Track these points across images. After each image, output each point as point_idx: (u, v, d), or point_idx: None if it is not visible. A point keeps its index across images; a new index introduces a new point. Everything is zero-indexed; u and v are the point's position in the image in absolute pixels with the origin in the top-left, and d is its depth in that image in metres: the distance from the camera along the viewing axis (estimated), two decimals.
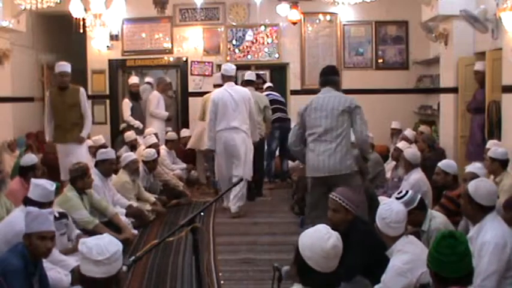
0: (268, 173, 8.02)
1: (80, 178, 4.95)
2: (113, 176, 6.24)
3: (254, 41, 9.57)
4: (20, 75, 8.54)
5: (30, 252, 3.09)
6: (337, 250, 2.24)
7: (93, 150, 6.81)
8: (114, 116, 9.68)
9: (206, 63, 9.63)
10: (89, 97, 9.66)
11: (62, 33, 9.90)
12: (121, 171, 6.16)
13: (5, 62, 7.67)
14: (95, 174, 5.32)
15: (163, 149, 7.69)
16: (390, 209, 3.14)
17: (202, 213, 3.26)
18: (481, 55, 6.89)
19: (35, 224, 3.11)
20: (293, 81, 9.67)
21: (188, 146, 8.04)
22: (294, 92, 9.66)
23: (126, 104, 8.56)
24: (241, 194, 6.26)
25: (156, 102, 8.63)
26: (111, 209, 5.28)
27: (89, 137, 7.12)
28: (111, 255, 2.44)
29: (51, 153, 6.68)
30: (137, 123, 8.40)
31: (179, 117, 9.91)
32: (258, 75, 9.61)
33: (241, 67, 9.39)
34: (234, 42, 9.59)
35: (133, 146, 7.73)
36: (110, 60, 9.67)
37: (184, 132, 8.62)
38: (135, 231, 5.40)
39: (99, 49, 9.56)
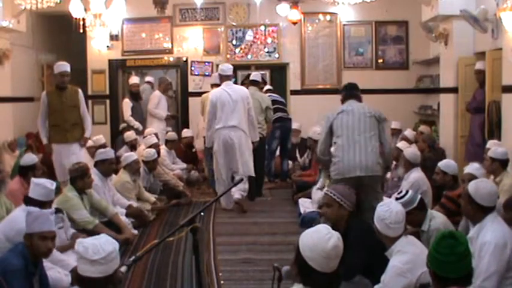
0: (269, 173, 8.02)
1: (80, 178, 4.95)
2: (113, 176, 6.25)
3: (254, 41, 9.58)
4: (20, 75, 8.54)
5: (30, 252, 3.10)
6: (338, 250, 2.24)
7: (93, 150, 6.80)
8: (114, 116, 9.69)
9: (206, 63, 9.64)
10: (89, 97, 9.74)
11: (62, 33, 9.91)
12: (122, 171, 6.16)
13: (5, 62, 7.67)
14: (94, 174, 5.32)
15: (163, 149, 7.68)
16: (389, 209, 3.14)
17: (202, 213, 3.26)
18: (481, 55, 6.89)
19: (36, 224, 3.11)
20: (293, 81, 9.68)
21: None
22: (294, 92, 9.67)
23: (127, 104, 8.57)
24: (244, 187, 6.43)
25: (156, 101, 8.63)
26: (111, 209, 5.28)
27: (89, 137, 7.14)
28: (106, 255, 2.46)
29: (51, 153, 6.67)
30: (137, 124, 8.41)
31: (179, 117, 9.91)
32: None
33: (241, 67, 9.44)
34: (234, 42, 9.59)
35: (133, 146, 7.73)
36: (110, 60, 9.68)
37: (186, 133, 8.61)
38: (135, 231, 5.40)
39: (99, 49, 9.57)
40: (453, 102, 7.41)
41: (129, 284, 4.10)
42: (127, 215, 5.60)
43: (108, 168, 5.66)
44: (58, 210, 4.37)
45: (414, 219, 3.68)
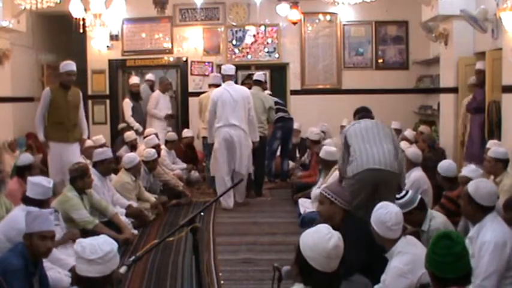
0: (269, 173, 8.02)
1: (80, 178, 4.94)
2: (113, 176, 6.24)
3: (254, 41, 9.58)
4: (20, 75, 8.54)
5: (30, 252, 3.10)
6: (338, 250, 2.25)
7: (91, 150, 6.77)
8: (114, 116, 9.69)
9: (206, 63, 9.64)
10: (89, 97, 9.76)
11: (62, 33, 9.90)
12: (122, 171, 6.15)
13: (5, 62, 7.67)
14: (93, 174, 5.30)
15: (163, 149, 7.68)
16: (389, 212, 3.13)
17: (202, 213, 3.26)
18: (481, 55, 6.88)
19: (35, 224, 3.11)
20: (293, 81, 9.68)
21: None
22: (294, 92, 9.67)
23: (127, 104, 8.57)
24: (241, 187, 6.60)
25: (154, 102, 8.64)
26: (111, 209, 5.28)
27: (88, 137, 7.15)
28: (104, 255, 2.46)
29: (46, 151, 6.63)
30: (137, 125, 8.41)
31: (179, 117, 9.91)
32: None
33: (241, 67, 9.43)
34: (234, 42, 9.59)
35: (133, 146, 7.73)
36: (110, 60, 9.68)
37: (186, 133, 8.61)
38: (135, 231, 5.40)
39: (99, 49, 9.57)
40: (453, 102, 7.41)
41: (129, 284, 4.10)
42: (127, 215, 5.60)
43: (106, 168, 5.65)
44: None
45: (414, 219, 3.68)
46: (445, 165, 4.83)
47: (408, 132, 7.54)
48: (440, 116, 7.96)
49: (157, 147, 7.10)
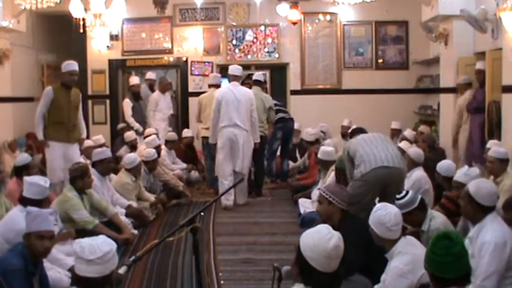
0: (270, 173, 8.03)
1: (79, 178, 4.93)
2: (114, 176, 6.24)
3: (254, 41, 9.58)
4: (20, 75, 8.54)
5: (30, 252, 3.10)
6: (338, 250, 2.25)
7: (91, 150, 6.76)
8: (114, 116, 9.69)
9: (206, 63, 9.64)
10: (89, 97, 9.76)
11: (62, 33, 9.90)
12: (122, 171, 6.14)
13: (5, 62, 7.67)
14: (93, 174, 5.29)
15: (163, 149, 7.68)
16: (388, 213, 3.13)
17: (202, 213, 3.26)
18: (481, 55, 6.89)
19: (34, 223, 3.11)
20: (293, 81, 9.68)
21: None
22: (294, 92, 9.67)
23: (127, 104, 8.57)
24: (243, 187, 6.74)
25: (153, 104, 8.63)
26: (111, 209, 5.28)
27: (87, 137, 7.15)
28: (103, 255, 2.46)
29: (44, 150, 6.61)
30: (137, 126, 8.40)
31: (179, 117, 9.91)
32: None
33: (241, 67, 9.40)
34: (234, 42, 9.59)
35: (133, 146, 7.73)
36: (110, 60, 9.68)
37: (186, 133, 8.61)
38: (135, 231, 5.39)
39: (99, 49, 9.57)
40: (453, 102, 7.40)
41: (129, 284, 4.10)
42: (127, 215, 5.60)
43: (105, 167, 5.64)
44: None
45: (414, 219, 3.68)
46: (445, 166, 4.83)
47: (408, 132, 7.53)
48: (440, 116, 7.96)
49: (157, 147, 7.10)
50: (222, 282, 4.17)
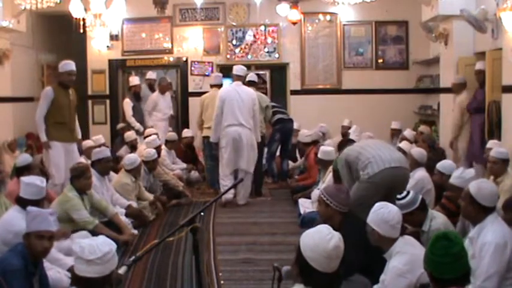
0: (271, 174, 8.05)
1: (77, 178, 4.91)
2: (114, 175, 6.24)
3: (254, 41, 9.58)
4: (20, 75, 8.54)
5: (29, 252, 3.10)
6: (339, 251, 2.25)
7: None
8: (114, 116, 9.69)
9: (206, 63, 9.64)
10: (89, 97, 9.76)
11: (62, 33, 9.90)
12: (122, 171, 6.14)
13: (5, 62, 7.67)
14: (92, 174, 5.27)
15: (163, 149, 7.68)
16: (390, 211, 3.13)
17: (202, 213, 3.26)
18: (481, 55, 6.89)
19: (33, 223, 3.12)
20: (293, 81, 9.68)
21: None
22: (294, 92, 9.67)
23: (128, 104, 8.57)
24: (247, 187, 6.78)
25: (152, 104, 8.63)
26: (111, 209, 5.27)
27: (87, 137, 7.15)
28: (103, 255, 2.46)
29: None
30: (138, 125, 8.41)
31: (179, 117, 9.91)
32: (258, 75, 9.65)
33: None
34: (234, 42, 9.59)
35: (133, 146, 7.73)
36: (110, 60, 9.69)
37: (186, 133, 8.61)
38: (135, 231, 5.39)
39: (99, 49, 9.57)
40: (453, 102, 7.40)
41: (129, 284, 4.10)
42: (127, 215, 5.59)
43: (104, 167, 5.63)
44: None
45: (415, 220, 3.68)
46: (447, 165, 4.84)
47: (408, 132, 7.53)
48: (440, 116, 7.96)
49: (157, 147, 7.09)
50: (222, 282, 4.17)
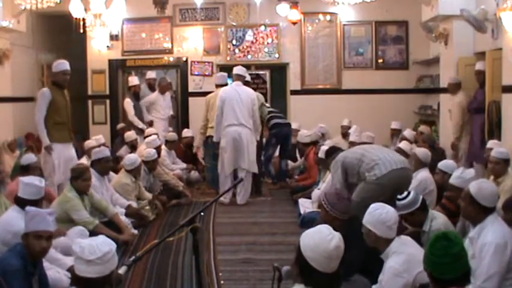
0: (270, 175, 8.05)
1: (75, 179, 4.90)
2: (114, 176, 6.24)
3: (254, 41, 9.58)
4: (20, 75, 8.54)
5: (28, 252, 3.10)
6: (339, 251, 2.25)
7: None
8: (114, 116, 9.69)
9: (206, 63, 9.64)
10: (89, 97, 9.76)
11: (62, 33, 9.89)
12: (122, 172, 6.14)
13: (5, 62, 7.67)
14: (92, 174, 5.26)
15: (163, 149, 7.68)
16: (387, 211, 3.12)
17: (202, 213, 3.26)
18: (481, 55, 6.89)
19: (32, 223, 3.12)
20: (293, 81, 9.67)
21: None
22: (294, 92, 9.67)
23: (129, 104, 8.58)
24: (247, 187, 6.82)
25: (148, 103, 8.63)
26: (112, 209, 5.27)
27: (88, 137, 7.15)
28: (103, 255, 2.46)
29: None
30: (141, 124, 8.43)
31: (179, 117, 9.91)
32: (257, 75, 9.68)
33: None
34: (234, 42, 9.59)
35: (133, 146, 7.72)
36: (110, 60, 9.68)
37: (186, 133, 8.61)
38: (135, 231, 5.39)
39: (99, 49, 9.56)
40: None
41: (129, 284, 4.10)
42: (126, 215, 5.60)
43: (104, 166, 5.62)
44: None
45: (416, 220, 3.68)
46: (449, 165, 4.84)
47: (408, 132, 7.53)
48: (440, 116, 7.96)
49: (157, 147, 7.10)
50: (222, 282, 4.17)
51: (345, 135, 8.18)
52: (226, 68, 8.69)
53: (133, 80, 8.93)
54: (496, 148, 5.00)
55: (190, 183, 7.92)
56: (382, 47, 9.61)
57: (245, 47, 9.58)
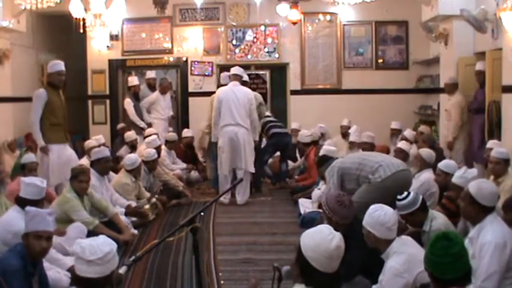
0: (268, 177, 8.05)
1: (73, 179, 4.89)
2: (114, 176, 6.24)
3: (254, 41, 9.58)
4: (20, 75, 8.53)
5: (28, 252, 3.10)
6: (340, 251, 2.25)
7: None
8: (114, 116, 9.69)
9: (206, 63, 9.64)
10: (89, 97, 9.76)
11: (62, 33, 9.89)
12: (122, 172, 6.13)
13: (5, 62, 7.67)
14: (92, 174, 5.26)
15: (163, 149, 7.68)
16: (386, 213, 3.12)
17: (202, 213, 3.26)
18: (481, 55, 6.89)
19: (32, 223, 3.12)
20: (293, 81, 9.68)
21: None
22: (294, 92, 9.67)
23: (129, 104, 8.59)
24: (246, 187, 6.82)
25: (148, 103, 8.63)
26: (112, 208, 5.27)
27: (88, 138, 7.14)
28: (103, 255, 2.46)
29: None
30: (143, 124, 8.44)
31: (179, 117, 9.91)
32: (257, 75, 9.69)
33: (241, 67, 9.39)
34: (234, 42, 9.59)
35: (133, 146, 7.72)
36: (110, 60, 9.68)
37: (186, 133, 8.61)
38: (135, 231, 5.39)
39: (99, 49, 9.57)
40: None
41: (129, 284, 4.10)
42: (126, 214, 5.59)
43: (103, 166, 5.62)
44: None
45: (416, 220, 3.68)
46: (450, 165, 4.85)
47: (408, 132, 7.52)
48: (440, 116, 7.96)
49: (157, 147, 7.10)
50: (222, 282, 4.17)
51: (345, 135, 8.18)
52: (226, 68, 8.67)
53: (133, 80, 8.93)
54: (496, 148, 5.00)
55: (190, 183, 7.92)
56: (382, 47, 9.62)
57: (245, 47, 9.58)
